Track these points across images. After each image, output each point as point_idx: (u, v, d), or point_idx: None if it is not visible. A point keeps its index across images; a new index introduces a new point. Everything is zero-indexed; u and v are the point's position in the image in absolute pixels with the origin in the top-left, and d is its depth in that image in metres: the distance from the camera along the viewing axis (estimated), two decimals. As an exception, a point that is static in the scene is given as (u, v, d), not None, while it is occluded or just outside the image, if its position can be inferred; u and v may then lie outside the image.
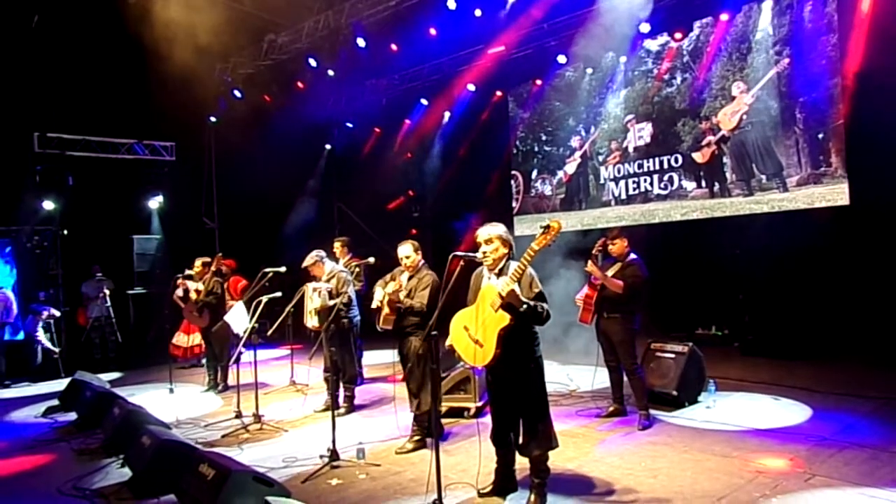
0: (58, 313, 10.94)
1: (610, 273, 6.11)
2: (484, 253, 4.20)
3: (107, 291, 11.52)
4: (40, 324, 10.56)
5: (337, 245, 8.49)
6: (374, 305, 5.75)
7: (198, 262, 8.74)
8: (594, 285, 6.15)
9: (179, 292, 9.29)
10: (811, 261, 8.62)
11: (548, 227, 3.85)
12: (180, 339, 10.57)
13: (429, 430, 5.54)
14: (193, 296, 8.46)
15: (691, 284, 10.09)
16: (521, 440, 4.30)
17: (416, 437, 5.64)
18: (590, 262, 6.16)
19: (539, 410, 4.22)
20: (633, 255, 6.17)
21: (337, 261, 8.03)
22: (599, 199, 11.65)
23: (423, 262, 5.79)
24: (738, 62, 9.69)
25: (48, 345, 10.58)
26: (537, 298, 4.06)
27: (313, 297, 6.76)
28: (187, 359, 10.56)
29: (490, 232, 4.22)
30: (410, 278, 5.68)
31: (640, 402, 6.06)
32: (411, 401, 5.76)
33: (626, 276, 6.02)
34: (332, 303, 6.38)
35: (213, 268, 8.46)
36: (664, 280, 9.69)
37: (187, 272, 8.96)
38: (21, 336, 10.74)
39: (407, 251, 5.71)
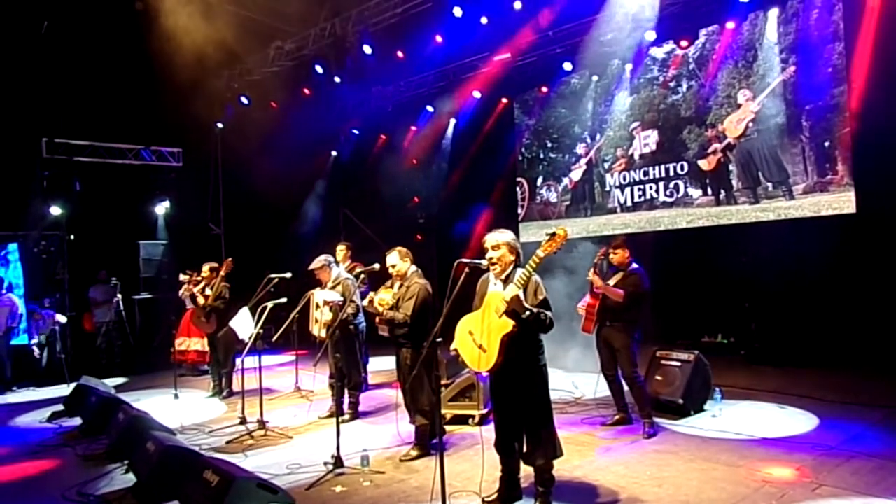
0: (63, 319, 10.96)
1: (612, 282, 6.10)
2: (490, 259, 4.21)
3: (119, 296, 11.56)
4: (35, 325, 10.59)
5: (341, 248, 8.48)
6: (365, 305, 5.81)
7: (205, 268, 8.76)
8: (596, 294, 6.14)
9: (185, 292, 9.26)
10: (817, 269, 8.57)
11: (554, 234, 3.85)
12: (186, 343, 10.56)
13: (431, 435, 5.53)
14: (201, 300, 8.45)
15: (697, 292, 10.05)
16: (524, 449, 4.29)
17: (420, 445, 5.62)
18: (591, 271, 6.16)
19: (542, 419, 4.21)
20: (634, 266, 6.17)
21: (338, 264, 8.04)
22: (605, 206, 11.64)
23: (413, 269, 5.73)
24: (743, 70, 9.68)
25: (35, 350, 10.59)
26: (542, 305, 4.06)
27: (324, 310, 6.75)
28: (197, 363, 10.54)
29: (498, 238, 4.23)
30: (400, 287, 5.66)
31: (644, 411, 6.04)
32: (410, 413, 5.76)
33: (627, 285, 6.02)
34: (343, 315, 6.38)
35: (222, 272, 8.45)
36: (670, 288, 9.67)
37: (185, 278, 8.97)
38: (25, 339, 10.78)
39: (393, 260, 5.68)
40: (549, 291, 4.21)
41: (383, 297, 5.66)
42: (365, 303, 5.77)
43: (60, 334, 10.92)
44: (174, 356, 9.96)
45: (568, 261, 8.25)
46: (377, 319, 5.76)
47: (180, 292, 9.29)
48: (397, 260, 5.68)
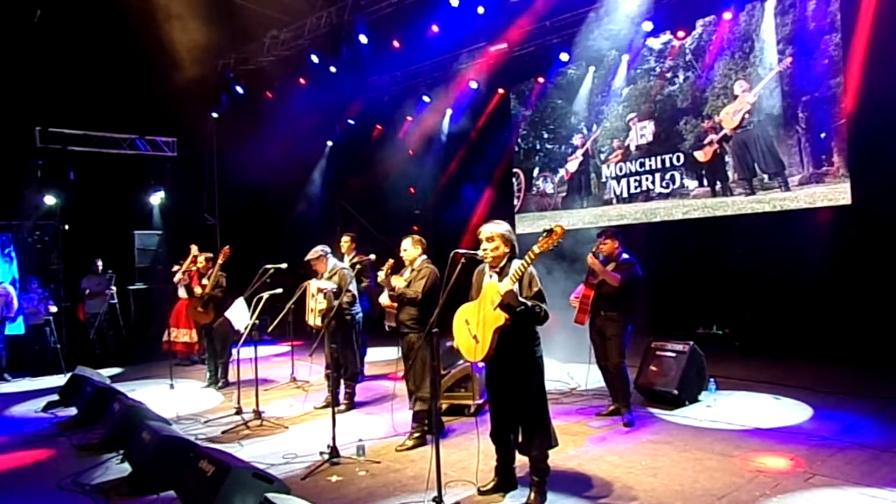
0: (54, 309, 10.92)
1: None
2: (484, 250, 4.21)
3: (114, 288, 11.53)
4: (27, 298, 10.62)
5: (346, 239, 8.45)
6: (382, 301, 5.93)
7: (201, 258, 8.74)
8: (591, 285, 6.14)
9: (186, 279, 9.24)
10: (813, 260, 8.60)
11: (551, 231, 3.83)
12: (174, 334, 10.56)
13: (428, 427, 5.54)
14: (198, 290, 8.42)
15: (692, 283, 10.08)
16: (520, 439, 4.31)
17: (416, 434, 5.63)
18: (590, 256, 6.15)
19: (538, 410, 4.22)
20: (625, 255, 6.17)
21: (342, 256, 8.03)
22: (601, 197, 11.64)
23: (424, 257, 5.82)
24: (740, 61, 9.67)
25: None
26: (536, 297, 4.06)
27: (317, 297, 6.75)
28: (185, 354, 10.54)
29: (492, 230, 4.22)
30: (411, 271, 5.76)
31: (624, 401, 6.08)
32: (411, 398, 5.76)
33: (621, 271, 6.02)
34: (336, 303, 6.39)
35: (220, 260, 8.41)
36: (665, 279, 9.69)
37: (178, 268, 8.98)
38: (21, 329, 10.74)
39: (406, 245, 5.82)
40: (543, 282, 4.21)
41: (394, 283, 5.75)
42: (381, 276, 5.81)
43: (55, 324, 10.89)
44: (164, 346, 9.98)
45: (564, 250, 8.24)
46: (386, 304, 5.80)
47: (175, 279, 9.25)
48: (409, 245, 5.80)
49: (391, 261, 5.91)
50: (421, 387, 5.56)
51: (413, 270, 5.73)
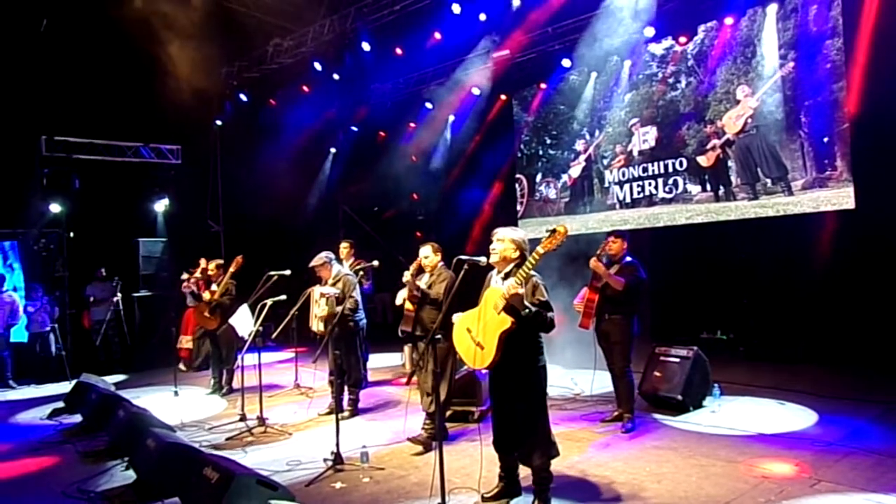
0: (56, 313, 10.96)
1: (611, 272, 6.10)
2: (493, 250, 4.22)
3: (119, 295, 11.58)
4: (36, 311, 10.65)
5: (344, 246, 8.49)
6: (398, 301, 5.99)
7: (212, 265, 8.78)
8: (595, 288, 6.12)
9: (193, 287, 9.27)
10: (816, 265, 8.58)
11: (554, 230, 3.83)
12: (182, 340, 10.61)
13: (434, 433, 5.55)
14: (207, 296, 8.46)
15: (696, 288, 10.06)
16: (522, 449, 4.29)
17: (431, 428, 5.66)
18: (594, 259, 6.15)
19: (538, 420, 4.21)
20: (628, 258, 6.17)
21: (341, 262, 8.05)
22: (604, 202, 11.64)
23: (442, 264, 5.93)
24: (742, 66, 9.68)
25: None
26: (542, 307, 4.05)
27: (320, 303, 6.77)
28: (189, 361, 10.58)
29: (505, 233, 4.26)
30: (430, 276, 5.87)
31: (627, 406, 6.05)
32: (424, 399, 5.80)
33: (625, 274, 6.01)
34: (338, 309, 6.42)
35: (232, 269, 8.43)
36: (669, 284, 9.69)
37: (187, 276, 9.01)
38: (24, 337, 10.77)
39: (426, 252, 5.92)
40: (547, 287, 4.20)
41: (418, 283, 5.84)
42: (407, 275, 5.83)
43: (60, 331, 10.92)
44: (178, 353, 10.04)
45: (566, 256, 8.25)
46: (405, 307, 5.80)
47: (183, 287, 9.28)
48: (430, 252, 5.91)
49: (420, 260, 5.94)
50: (439, 389, 5.59)
51: (432, 275, 5.86)
